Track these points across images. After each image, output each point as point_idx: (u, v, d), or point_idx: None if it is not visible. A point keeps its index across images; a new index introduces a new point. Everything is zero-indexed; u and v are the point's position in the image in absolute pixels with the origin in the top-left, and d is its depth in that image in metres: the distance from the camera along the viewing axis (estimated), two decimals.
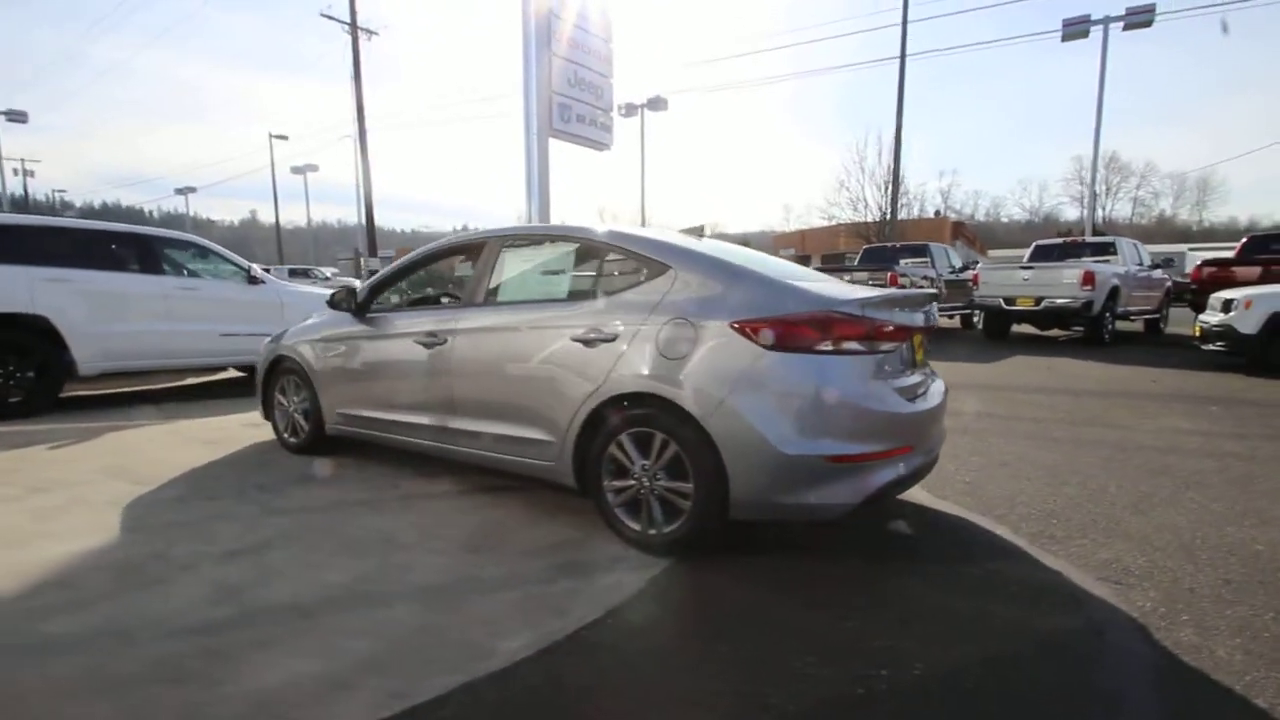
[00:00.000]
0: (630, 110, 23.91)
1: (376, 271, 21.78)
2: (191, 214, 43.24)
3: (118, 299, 5.50)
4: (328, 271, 27.15)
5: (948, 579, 2.48)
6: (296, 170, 31.11)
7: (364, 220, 23.39)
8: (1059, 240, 12.86)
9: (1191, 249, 27.43)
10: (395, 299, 3.88)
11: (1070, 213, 58.05)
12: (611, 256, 2.89)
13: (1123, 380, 7.19)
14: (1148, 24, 15.02)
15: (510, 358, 2.96)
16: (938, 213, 36.90)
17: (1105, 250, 11.67)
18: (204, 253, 6.36)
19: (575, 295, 2.97)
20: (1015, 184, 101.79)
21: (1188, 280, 13.16)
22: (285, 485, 3.43)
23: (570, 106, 17.72)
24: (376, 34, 22.79)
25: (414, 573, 2.42)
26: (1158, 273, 12.26)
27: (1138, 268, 11.56)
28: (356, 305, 3.66)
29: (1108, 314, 10.44)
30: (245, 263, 6.55)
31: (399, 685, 1.73)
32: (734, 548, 2.62)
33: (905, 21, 16.27)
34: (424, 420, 3.32)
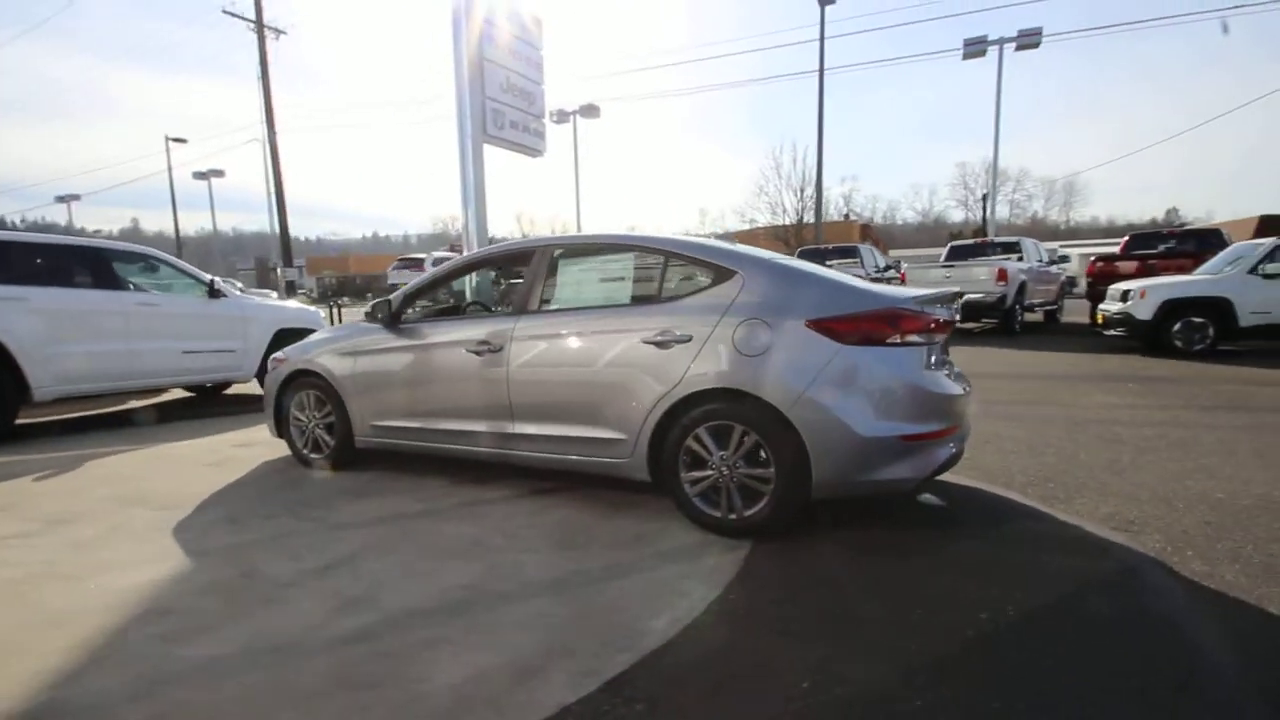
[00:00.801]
0: (562, 117, 23.95)
1: (293, 281, 20.60)
2: (65, 224, 39.01)
3: (74, 318, 5.09)
4: (238, 284, 25.38)
5: (993, 537, 2.84)
6: (199, 175, 28.71)
7: (278, 229, 22.11)
8: (971, 241, 14.12)
9: (1062, 246, 30.64)
10: (411, 311, 3.85)
11: (957, 215, 63.16)
12: (674, 263, 3.08)
13: (1047, 364, 8.07)
14: (1036, 45, 16.86)
15: (577, 362, 3.08)
16: (846, 216, 39.17)
17: (1011, 249, 12.95)
18: (162, 265, 5.96)
19: (640, 300, 3.14)
20: (908, 188, 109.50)
21: (1083, 275, 14.79)
22: (332, 501, 3.37)
23: (503, 112, 17.64)
24: (284, 33, 21.64)
25: (527, 570, 2.51)
26: (1054, 268, 13.72)
27: (1039, 264, 12.90)
28: (389, 316, 3.64)
29: (1018, 306, 11.60)
30: (206, 275, 6.19)
31: (585, 665, 1.86)
32: (801, 526, 2.87)
33: (823, 38, 17.33)
34: (477, 427, 3.37)
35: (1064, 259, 14.60)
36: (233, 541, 2.84)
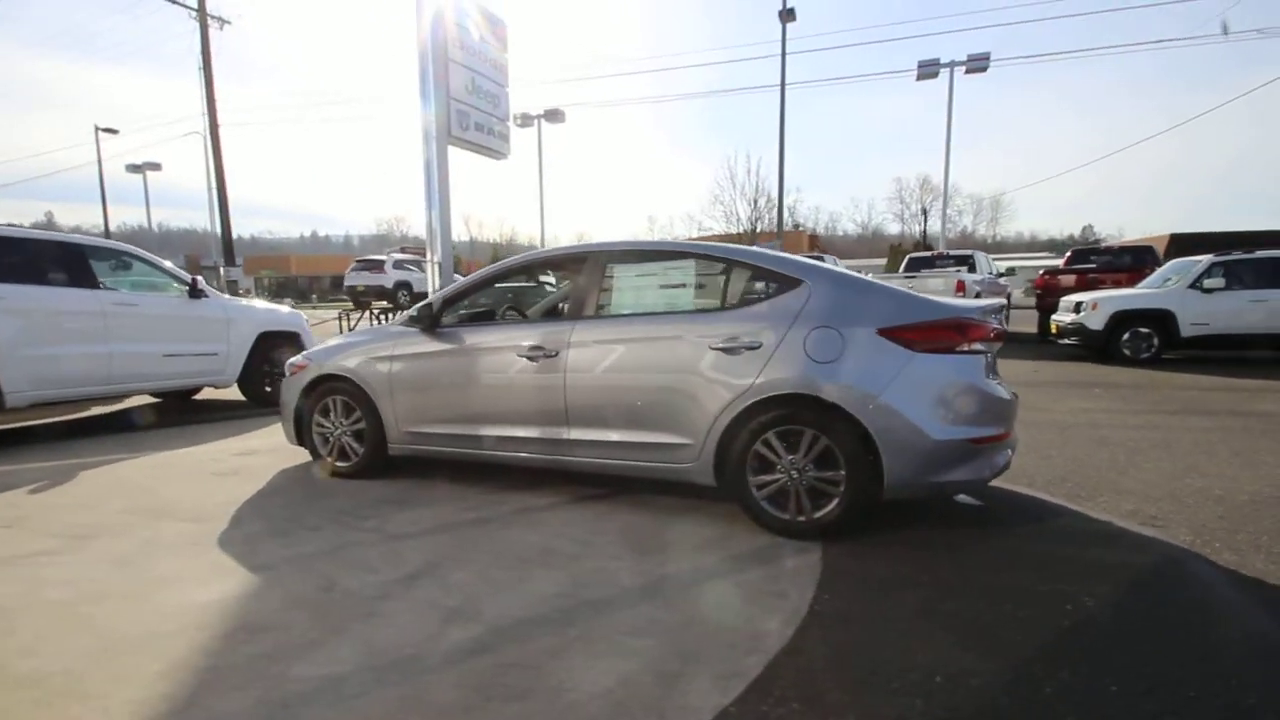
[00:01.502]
0: (526, 121, 23.67)
1: (236, 282, 19.54)
2: None
3: (51, 318, 4.72)
4: None
5: (1038, 534, 3.02)
6: (133, 168, 26.75)
7: (217, 226, 21.03)
8: (928, 253, 14.81)
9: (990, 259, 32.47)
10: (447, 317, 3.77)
11: (893, 228, 66.15)
12: (736, 271, 3.13)
13: (1012, 372, 8.51)
14: (984, 69, 17.93)
15: (641, 368, 3.09)
16: (796, 226, 40.32)
17: (964, 262, 13.64)
18: (141, 263, 5.59)
19: (702, 307, 3.17)
20: (848, 201, 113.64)
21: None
22: (377, 510, 3.25)
23: (468, 114, 17.40)
24: (229, 22, 20.64)
25: (617, 577, 2.50)
26: (1002, 280, 14.53)
27: (989, 276, 13.63)
28: (430, 321, 3.56)
29: None
30: (186, 274, 5.86)
31: (722, 668, 1.88)
32: (858, 526, 2.94)
33: (784, 54, 17.86)
34: (529, 433, 3.33)
35: (1011, 271, 15.48)
36: (290, 554, 2.71)
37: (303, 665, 1.90)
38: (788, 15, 18.21)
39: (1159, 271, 9.84)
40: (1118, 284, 11.67)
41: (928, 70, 18.06)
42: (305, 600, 2.30)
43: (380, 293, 17.34)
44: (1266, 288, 8.23)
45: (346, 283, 18.16)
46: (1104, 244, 17.43)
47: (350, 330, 16.18)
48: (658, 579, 2.51)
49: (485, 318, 3.94)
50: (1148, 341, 8.69)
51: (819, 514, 2.82)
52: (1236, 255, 8.50)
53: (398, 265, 17.75)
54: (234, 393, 6.50)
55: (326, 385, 3.84)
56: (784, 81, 18.14)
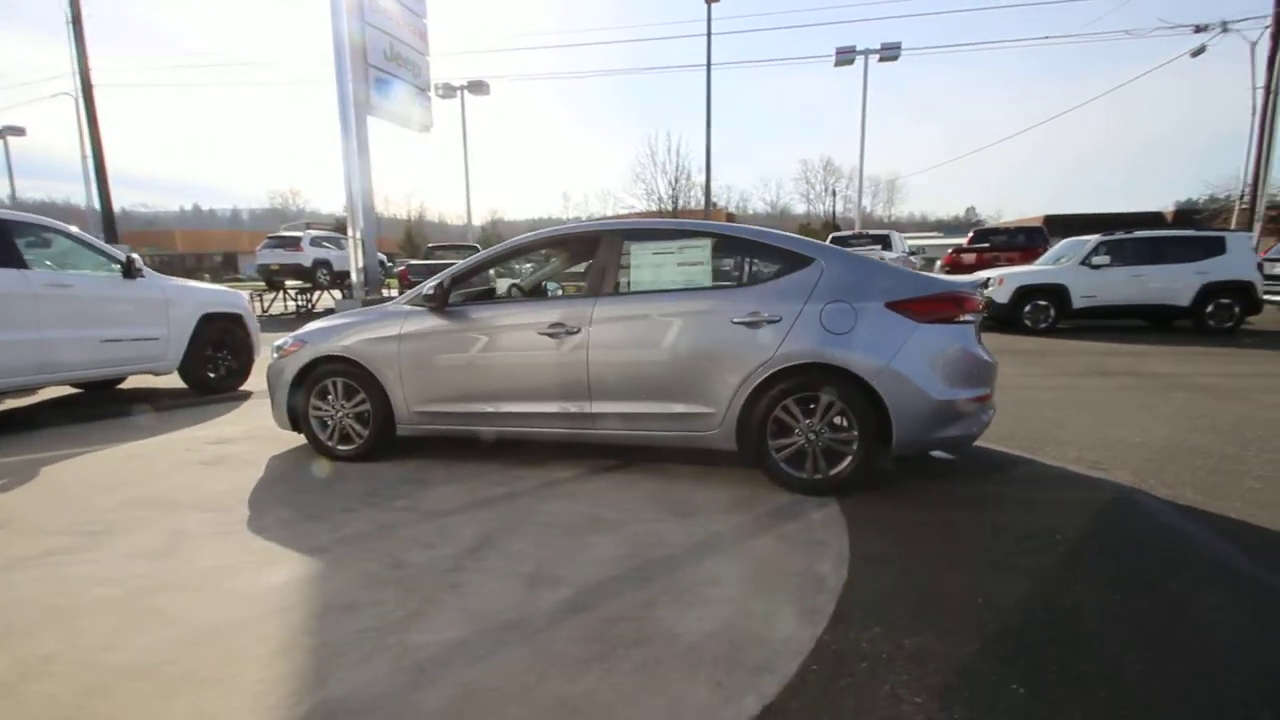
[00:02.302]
0: (449, 92, 22.61)
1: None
2: None
3: None
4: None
5: (1010, 480, 3.46)
6: None
7: (98, 203, 18.96)
8: (849, 233, 15.71)
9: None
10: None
11: (799, 208, 68.91)
12: (752, 250, 3.33)
13: None
14: (895, 58, 19.04)
15: (665, 342, 3.24)
16: (714, 204, 41.12)
17: (881, 241, 14.60)
18: (68, 239, 5.07)
19: (722, 284, 3.35)
20: (757, 180, 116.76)
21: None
22: (403, 491, 3.24)
23: (388, 83, 16.54)
24: None
25: (670, 537, 2.68)
26: (913, 258, 15.67)
27: (903, 254, 14.68)
28: (440, 300, 3.54)
29: None
30: (119, 252, 5.37)
31: (803, 606, 2.11)
32: (865, 483, 3.26)
33: (710, 34, 18.13)
34: (551, 408, 3.41)
35: (920, 249, 16.69)
36: (337, 536, 2.70)
37: (416, 635, 1.96)
38: None
39: (1052, 250, 10.99)
40: (1012, 261, 12.90)
41: (845, 57, 19.00)
42: (380, 577, 2.33)
43: (297, 271, 16.22)
44: (1143, 263, 9.43)
45: (258, 261, 16.83)
46: (986, 224, 19.16)
47: (266, 312, 15.13)
48: (707, 537, 2.71)
49: (486, 296, 3.94)
50: (1045, 313, 9.73)
51: (834, 471, 3.11)
52: (1119, 235, 9.65)
53: (315, 242, 16.65)
54: (167, 380, 6.06)
55: (324, 367, 3.73)
56: (710, 62, 18.46)
